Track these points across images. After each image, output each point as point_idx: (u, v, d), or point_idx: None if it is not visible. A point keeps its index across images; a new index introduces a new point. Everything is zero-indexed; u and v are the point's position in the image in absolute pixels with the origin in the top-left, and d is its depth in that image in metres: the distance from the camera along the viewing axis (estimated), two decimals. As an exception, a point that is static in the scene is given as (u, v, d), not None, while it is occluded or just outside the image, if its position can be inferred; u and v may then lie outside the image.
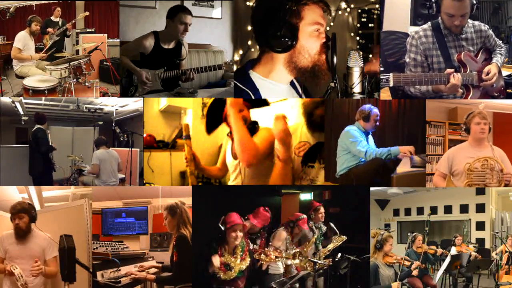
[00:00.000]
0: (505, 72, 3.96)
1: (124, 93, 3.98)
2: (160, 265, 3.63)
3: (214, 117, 3.61)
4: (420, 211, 5.29)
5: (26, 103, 4.47)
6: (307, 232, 3.72)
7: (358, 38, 4.47)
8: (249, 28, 4.19)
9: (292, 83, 3.17)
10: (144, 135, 4.29)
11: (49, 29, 4.44)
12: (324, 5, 2.95)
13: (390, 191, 4.86)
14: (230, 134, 3.57)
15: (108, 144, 4.67)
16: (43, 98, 4.15)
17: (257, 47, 3.15)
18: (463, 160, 3.51)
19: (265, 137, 3.48)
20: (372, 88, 3.77)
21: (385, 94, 3.94)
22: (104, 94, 4.13)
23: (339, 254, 3.65)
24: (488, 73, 3.75)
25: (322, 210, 3.92)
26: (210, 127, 3.69)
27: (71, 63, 4.00)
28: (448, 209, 5.19)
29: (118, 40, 4.18)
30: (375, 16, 4.27)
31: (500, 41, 3.91)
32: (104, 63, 4.32)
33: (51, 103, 4.49)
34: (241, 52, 4.41)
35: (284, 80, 3.07)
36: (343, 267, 3.62)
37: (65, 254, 2.97)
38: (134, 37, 4.10)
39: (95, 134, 4.74)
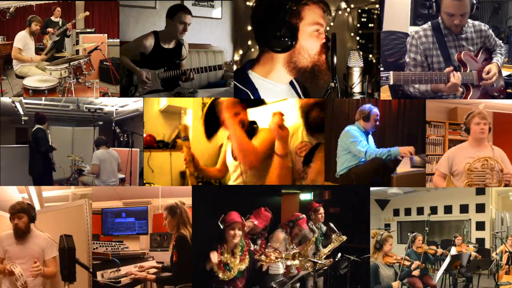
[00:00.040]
0: (505, 72, 3.95)
1: (124, 93, 3.98)
2: (160, 265, 3.63)
3: (212, 122, 3.59)
4: (420, 211, 5.29)
5: (26, 103, 4.47)
6: (307, 232, 3.72)
7: (358, 38, 4.47)
8: (249, 28, 4.18)
9: (291, 83, 3.17)
10: (144, 135, 4.28)
11: (49, 29, 4.45)
12: (324, 5, 2.94)
13: (390, 191, 4.86)
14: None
15: (108, 144, 4.67)
16: (43, 98, 4.16)
17: (257, 47, 3.14)
18: (463, 160, 3.51)
19: (265, 138, 3.47)
20: (372, 88, 3.78)
21: (385, 94, 3.94)
22: (104, 94, 4.13)
23: (339, 254, 3.64)
24: (488, 72, 3.75)
25: (321, 210, 3.91)
26: (209, 132, 3.65)
27: (71, 63, 4.00)
28: (448, 209, 5.19)
29: (118, 40, 4.18)
30: (375, 16, 4.27)
31: (500, 41, 3.91)
32: (104, 63, 4.32)
33: (51, 103, 4.49)
34: (241, 52, 4.40)
35: (284, 80, 3.07)
36: (343, 267, 3.62)
37: (65, 254, 2.97)
38: (134, 37, 4.09)
39: (95, 134, 4.74)
